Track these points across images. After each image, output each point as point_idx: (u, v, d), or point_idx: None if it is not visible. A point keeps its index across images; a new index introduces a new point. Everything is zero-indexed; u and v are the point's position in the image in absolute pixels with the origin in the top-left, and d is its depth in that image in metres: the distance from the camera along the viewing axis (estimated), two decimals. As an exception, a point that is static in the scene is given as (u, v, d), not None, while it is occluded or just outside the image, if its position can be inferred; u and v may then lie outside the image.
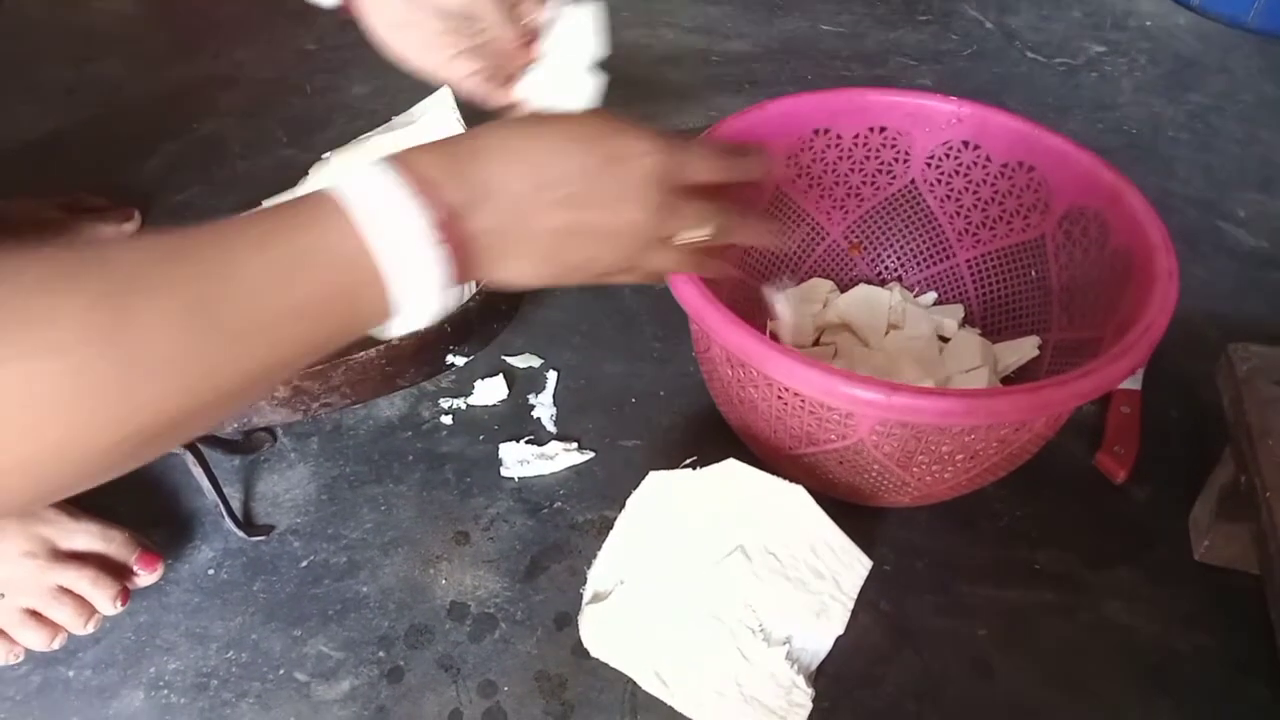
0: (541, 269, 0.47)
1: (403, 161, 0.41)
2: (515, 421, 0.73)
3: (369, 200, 0.39)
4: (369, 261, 0.39)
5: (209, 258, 0.36)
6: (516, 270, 0.46)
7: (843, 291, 0.79)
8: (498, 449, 0.71)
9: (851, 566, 0.55)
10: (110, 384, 0.33)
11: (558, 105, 0.62)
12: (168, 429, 0.36)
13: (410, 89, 0.67)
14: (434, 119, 0.80)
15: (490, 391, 0.74)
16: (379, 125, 0.86)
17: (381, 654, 0.59)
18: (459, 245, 0.42)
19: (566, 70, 0.61)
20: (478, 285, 0.75)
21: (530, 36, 0.61)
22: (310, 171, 0.88)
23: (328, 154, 0.85)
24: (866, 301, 0.77)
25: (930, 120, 0.73)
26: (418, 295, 0.41)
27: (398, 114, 0.85)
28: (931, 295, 0.78)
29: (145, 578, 0.61)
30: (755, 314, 0.75)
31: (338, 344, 0.41)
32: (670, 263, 0.52)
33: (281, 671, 0.58)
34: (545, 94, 0.62)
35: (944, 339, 0.75)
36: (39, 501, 0.36)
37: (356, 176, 0.40)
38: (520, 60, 0.62)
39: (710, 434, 0.70)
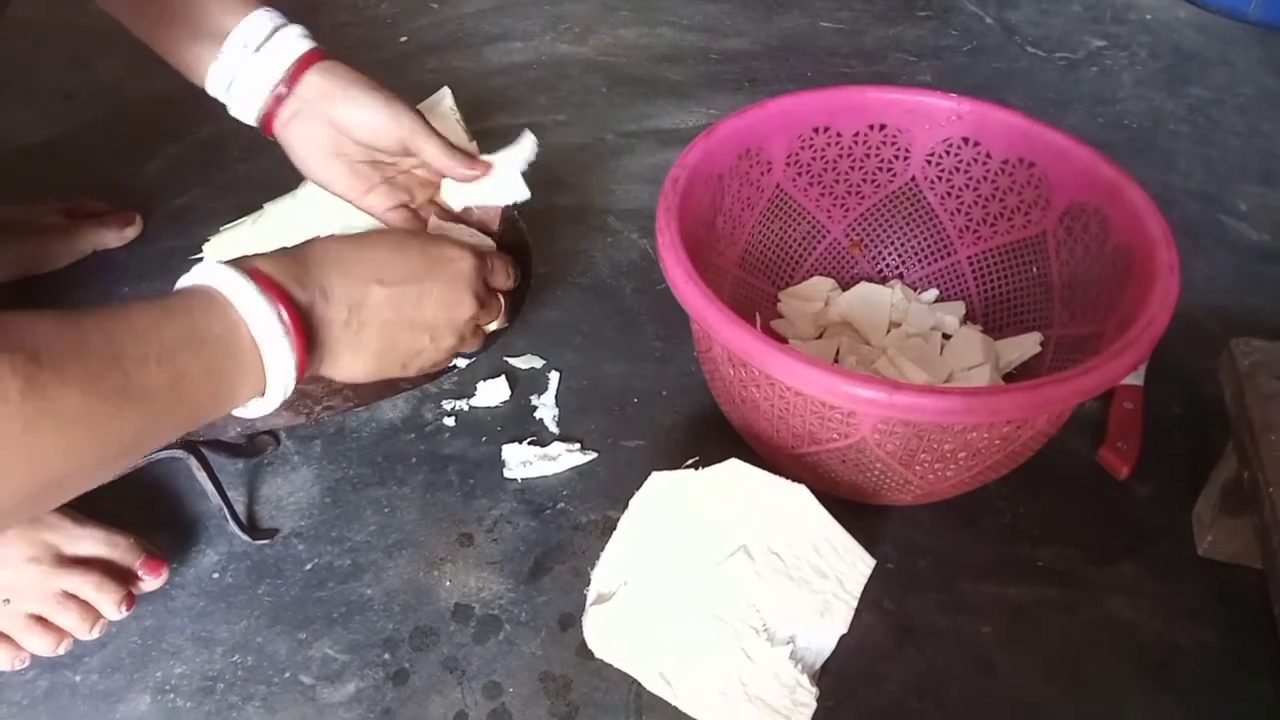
0: (376, 363, 0.54)
1: (251, 268, 0.47)
2: (518, 423, 0.73)
3: (239, 296, 0.46)
4: (249, 341, 0.46)
5: (106, 334, 0.41)
6: (354, 363, 0.53)
7: (844, 290, 0.79)
8: (500, 450, 0.71)
9: (854, 565, 0.55)
10: (22, 440, 0.37)
11: (487, 201, 0.70)
12: (54, 485, 0.40)
13: (409, 92, 0.67)
14: (435, 119, 0.80)
15: (492, 393, 0.75)
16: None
17: (386, 656, 0.59)
18: (305, 339, 0.48)
19: (503, 176, 0.68)
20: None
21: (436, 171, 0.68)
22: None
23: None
24: (868, 299, 0.77)
25: (930, 117, 0.73)
26: (280, 376, 0.47)
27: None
28: (933, 292, 0.78)
29: (150, 582, 0.61)
30: (756, 314, 0.76)
31: (206, 418, 0.46)
32: (474, 346, 0.63)
33: (287, 675, 0.58)
34: (475, 194, 0.70)
35: (946, 336, 0.75)
36: None
37: (219, 277, 0.46)
38: (427, 192, 0.70)
39: (712, 434, 0.70)
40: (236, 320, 0.46)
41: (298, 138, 0.65)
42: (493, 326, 0.64)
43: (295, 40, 0.63)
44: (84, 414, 0.39)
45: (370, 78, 0.64)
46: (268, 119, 0.64)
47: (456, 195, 0.70)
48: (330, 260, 0.51)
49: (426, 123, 0.65)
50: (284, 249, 0.50)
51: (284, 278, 0.48)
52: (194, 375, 0.44)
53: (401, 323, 0.54)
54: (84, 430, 0.39)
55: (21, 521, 0.42)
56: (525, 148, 0.68)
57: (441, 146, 0.64)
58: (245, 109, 0.64)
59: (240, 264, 0.47)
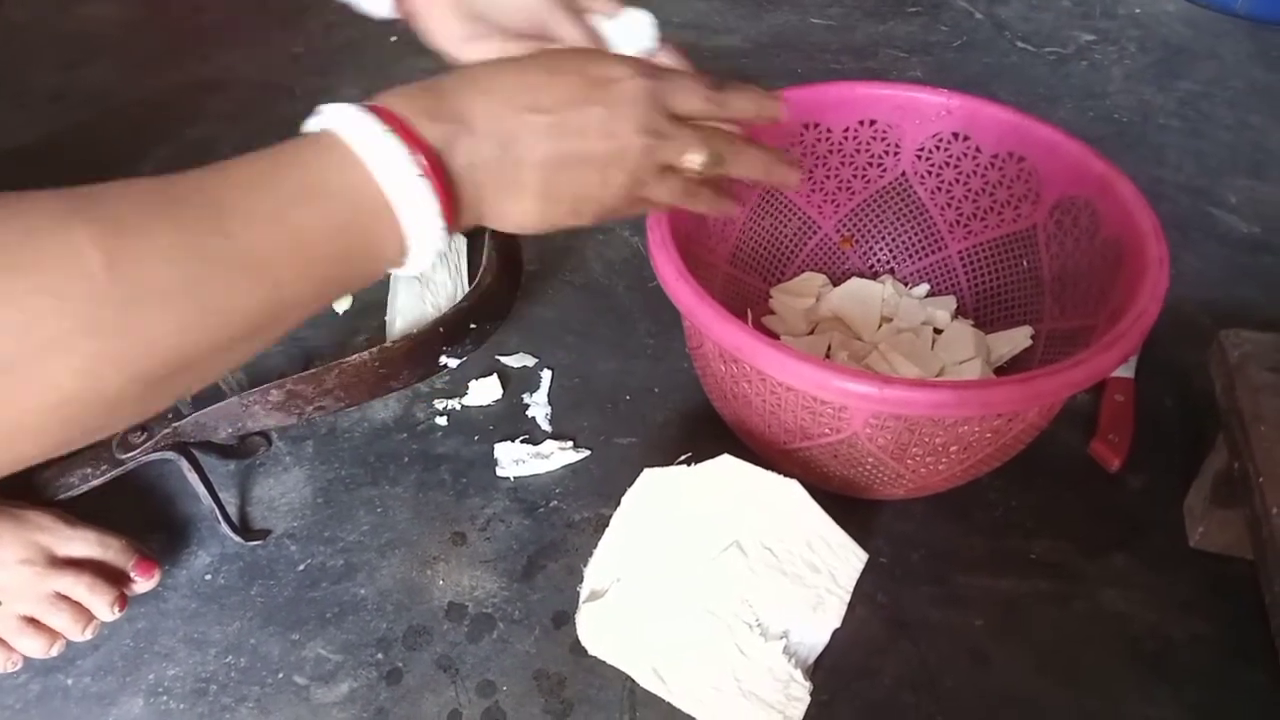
0: (541, 206, 0.46)
1: (376, 105, 0.41)
2: (510, 421, 0.73)
3: (359, 137, 0.39)
4: (376, 194, 0.39)
5: (204, 193, 0.36)
6: (516, 209, 0.45)
7: (835, 285, 0.79)
8: (493, 449, 0.71)
9: (847, 560, 0.55)
10: (109, 324, 0.33)
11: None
12: (175, 369, 0.36)
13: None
14: None
15: (484, 392, 0.74)
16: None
17: (380, 656, 0.59)
18: (447, 183, 0.41)
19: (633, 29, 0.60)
20: (468, 287, 0.75)
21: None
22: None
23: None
24: (859, 295, 0.77)
25: (920, 112, 0.73)
26: (418, 230, 0.41)
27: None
28: (924, 287, 0.78)
29: (142, 584, 0.61)
30: (748, 310, 0.76)
31: (347, 284, 0.41)
32: (672, 193, 0.50)
33: (280, 675, 0.58)
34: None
35: (937, 331, 0.75)
36: (58, 449, 0.36)
37: (341, 117, 0.40)
38: None
39: (704, 430, 0.70)
40: (359, 166, 0.39)
41: (438, 26, 0.58)
42: (697, 161, 0.49)
43: None
44: (186, 286, 0.35)
45: None
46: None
47: None
48: (471, 86, 0.44)
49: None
50: (419, 82, 0.43)
51: (414, 111, 0.41)
52: (317, 233, 0.38)
53: (564, 158, 0.45)
54: (189, 304, 0.35)
55: (152, 413, 0.37)
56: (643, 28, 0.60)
57: (583, 34, 0.56)
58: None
59: (366, 103, 0.41)
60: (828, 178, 0.77)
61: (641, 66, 0.47)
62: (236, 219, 0.36)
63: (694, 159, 0.49)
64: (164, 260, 0.34)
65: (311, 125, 0.41)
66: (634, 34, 0.60)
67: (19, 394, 0.32)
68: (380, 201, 0.39)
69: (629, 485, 0.57)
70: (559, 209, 0.47)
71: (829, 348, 0.75)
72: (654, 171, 0.48)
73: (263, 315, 0.38)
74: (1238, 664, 0.59)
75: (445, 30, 0.56)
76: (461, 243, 0.85)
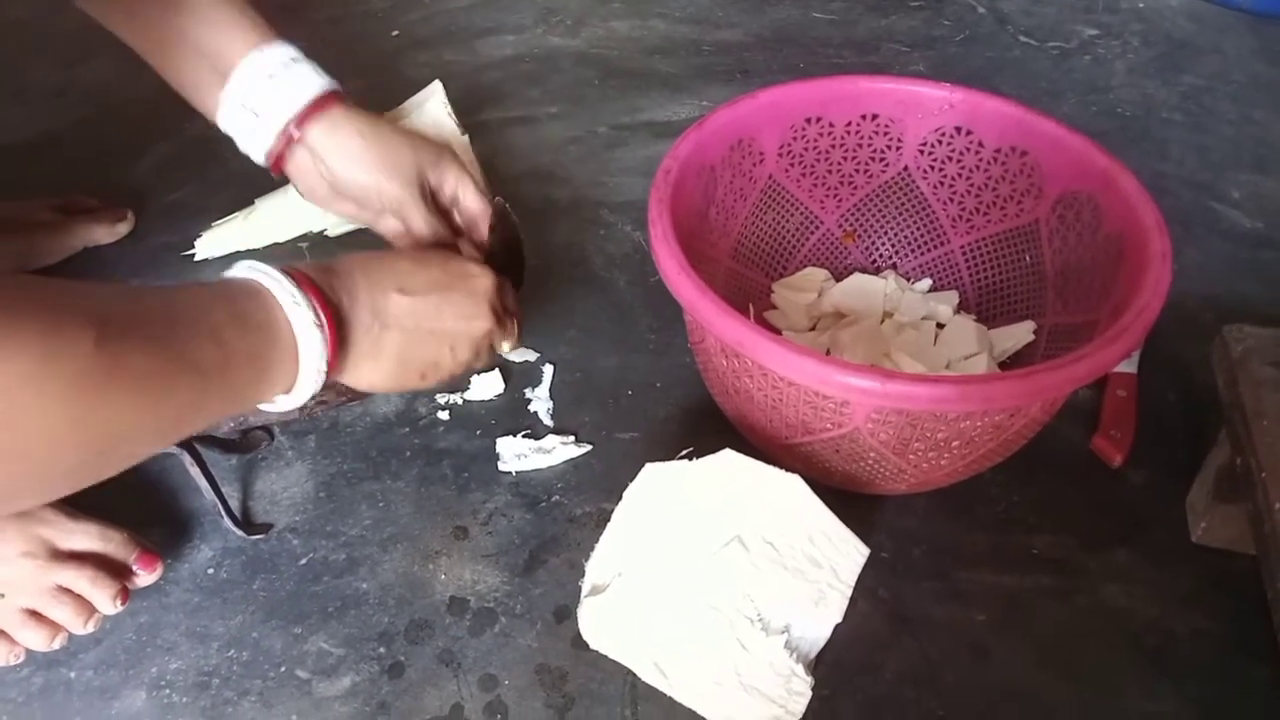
0: (395, 368, 0.56)
1: (290, 269, 0.50)
2: (512, 416, 0.73)
3: (278, 289, 0.48)
4: (289, 335, 0.48)
5: (166, 306, 0.43)
6: (370, 371, 0.55)
7: (837, 280, 0.79)
8: (495, 444, 0.71)
9: (849, 555, 0.55)
10: (88, 397, 0.38)
11: None
12: (123, 446, 0.42)
13: (401, 86, 0.68)
14: (427, 113, 0.80)
15: (486, 386, 0.74)
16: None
17: (382, 650, 0.59)
18: (335, 337, 0.51)
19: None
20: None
21: (462, 223, 0.70)
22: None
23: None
24: (861, 290, 0.77)
25: (922, 106, 0.73)
26: (311, 366, 0.50)
27: (389, 110, 0.85)
28: (926, 282, 0.78)
29: (145, 577, 0.61)
30: (749, 305, 0.76)
31: (245, 403, 0.49)
32: (486, 363, 0.64)
33: (283, 669, 0.58)
34: None
35: (940, 326, 0.75)
36: (18, 505, 0.41)
37: (259, 271, 0.49)
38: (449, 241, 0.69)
39: (706, 424, 0.70)
40: (276, 311, 0.48)
41: (301, 180, 0.66)
42: (507, 349, 0.66)
43: (306, 80, 0.62)
44: (148, 375, 0.40)
45: (378, 132, 0.64)
46: (275, 162, 0.65)
47: None
48: (355, 268, 0.54)
49: (419, 187, 0.65)
50: (315, 263, 0.53)
51: (316, 277, 0.51)
52: (240, 356, 0.46)
53: (421, 332, 0.56)
54: (147, 391, 0.41)
55: (78, 487, 0.42)
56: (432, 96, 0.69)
57: (427, 222, 0.65)
58: (253, 150, 0.64)
59: (284, 268, 0.50)
60: (830, 172, 0.76)
61: (483, 267, 0.60)
62: (186, 330, 0.43)
63: (508, 345, 0.65)
64: (136, 352, 0.40)
65: (235, 273, 0.49)
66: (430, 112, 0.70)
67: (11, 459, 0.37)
68: (288, 340, 0.48)
69: (630, 480, 0.57)
70: (409, 375, 0.57)
71: (830, 342, 0.75)
72: (486, 347, 0.61)
73: (189, 411, 0.44)
74: (1239, 659, 0.59)
75: (312, 194, 0.67)
76: None
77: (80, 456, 0.39)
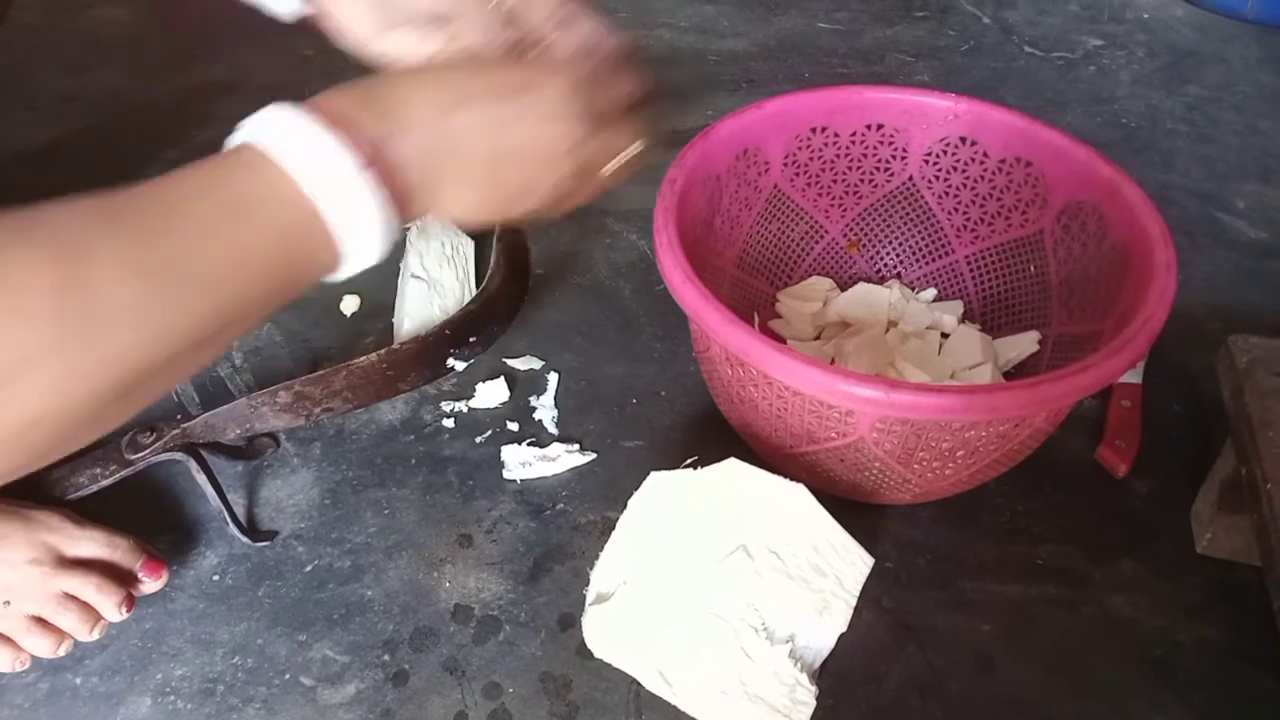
0: (482, 196, 0.47)
1: (315, 104, 0.41)
2: (517, 424, 0.73)
3: (289, 141, 0.40)
4: (304, 201, 0.39)
5: (149, 211, 0.37)
6: (457, 200, 0.46)
7: (842, 289, 0.79)
8: (500, 451, 0.71)
9: (853, 564, 0.55)
10: (73, 342, 0.34)
11: None
12: (137, 382, 0.37)
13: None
14: None
15: (491, 394, 0.75)
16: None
17: (386, 657, 0.59)
18: (387, 174, 0.41)
19: None
20: (475, 290, 0.76)
21: (519, 35, 0.56)
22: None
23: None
24: (866, 299, 0.77)
25: (927, 117, 0.73)
26: (358, 230, 0.41)
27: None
28: (931, 291, 0.78)
29: (150, 584, 0.61)
30: (754, 314, 0.76)
31: (294, 289, 0.41)
32: (600, 184, 0.53)
33: (287, 676, 0.58)
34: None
35: (944, 336, 0.75)
36: (27, 467, 0.36)
37: (272, 122, 0.40)
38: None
39: (711, 433, 0.70)
40: (285, 172, 0.39)
41: (348, 22, 0.55)
42: (634, 149, 0.53)
43: None
44: (135, 305, 0.35)
45: None
46: None
47: None
48: (406, 85, 0.45)
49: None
50: (354, 84, 0.44)
51: (355, 106, 0.42)
52: (255, 245, 0.39)
53: (499, 153, 0.46)
54: (142, 319, 0.36)
55: (109, 428, 0.38)
56: None
57: (486, 29, 0.53)
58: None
59: (308, 104, 0.41)
60: (835, 182, 0.77)
61: (565, 66, 0.49)
62: (178, 235, 0.37)
63: (631, 147, 0.53)
64: (117, 279, 0.35)
65: (249, 127, 0.41)
66: None
67: None
68: (313, 208, 0.40)
69: (635, 488, 0.57)
70: (498, 200, 0.48)
71: (835, 352, 0.75)
72: (584, 159, 0.50)
73: (212, 325, 0.38)
74: (1245, 669, 0.59)
75: (356, 23, 0.55)
76: (469, 246, 0.85)
77: (95, 401, 0.35)
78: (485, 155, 0.46)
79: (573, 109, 0.48)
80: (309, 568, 0.64)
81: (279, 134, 0.40)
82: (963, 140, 0.73)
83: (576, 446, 0.71)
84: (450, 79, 0.46)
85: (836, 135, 0.74)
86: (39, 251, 0.33)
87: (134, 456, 0.63)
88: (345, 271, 0.43)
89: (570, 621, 0.61)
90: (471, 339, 0.75)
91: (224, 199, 0.39)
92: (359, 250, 0.42)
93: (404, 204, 0.43)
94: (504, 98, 0.46)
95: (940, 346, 0.74)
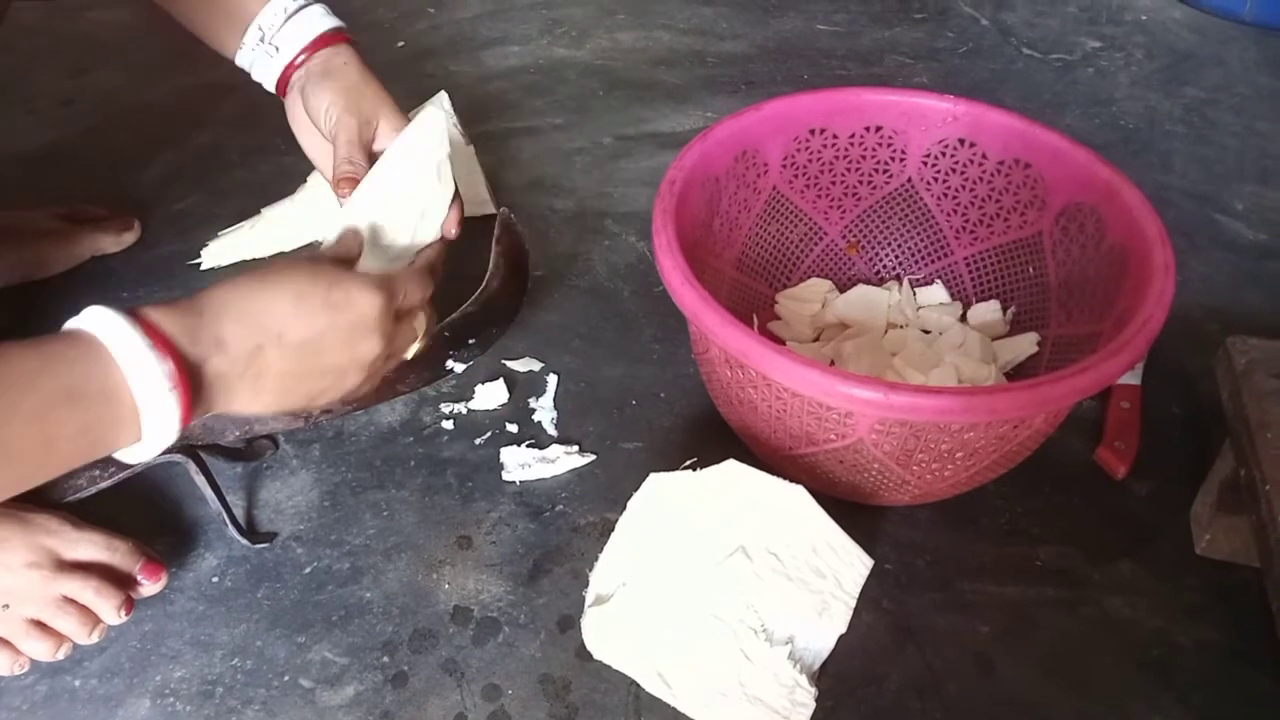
0: (277, 402, 0.53)
1: (144, 319, 0.46)
2: (516, 425, 0.73)
3: (128, 350, 0.44)
4: (129, 399, 0.44)
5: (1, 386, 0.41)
6: (249, 404, 0.51)
7: (841, 291, 0.79)
8: (499, 453, 0.71)
9: (853, 565, 0.55)
10: None
11: (396, 219, 0.62)
12: None
13: (406, 97, 0.68)
14: (428, 118, 0.80)
15: (491, 396, 0.75)
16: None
17: (385, 659, 0.59)
18: (194, 392, 0.47)
19: (412, 178, 0.62)
20: (479, 291, 0.75)
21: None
22: (309, 178, 0.88)
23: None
24: (865, 301, 0.77)
25: (926, 118, 0.73)
26: (161, 429, 0.46)
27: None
28: (935, 289, 0.78)
29: (149, 587, 0.61)
30: (754, 316, 0.76)
31: (77, 464, 0.46)
32: (389, 369, 0.60)
33: (286, 678, 0.58)
34: (381, 208, 0.61)
35: (943, 336, 0.75)
36: None
37: (108, 326, 0.45)
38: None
39: (710, 435, 0.70)
40: (118, 375, 0.44)
41: (290, 109, 0.67)
42: (413, 350, 0.61)
43: (316, 18, 0.65)
44: None
45: (363, 72, 0.65)
46: (279, 89, 0.67)
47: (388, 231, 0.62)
48: (228, 311, 0.49)
49: (355, 130, 0.63)
50: (181, 300, 0.49)
51: (176, 330, 0.47)
52: (67, 433, 0.43)
53: (302, 372, 0.52)
54: None
55: None
56: (436, 130, 0.62)
57: (342, 152, 0.63)
58: (263, 75, 0.67)
59: (133, 313, 0.46)
60: (834, 184, 0.77)
61: (374, 282, 0.54)
62: (16, 416, 0.41)
63: (418, 342, 0.61)
64: None
65: (83, 323, 0.45)
66: (430, 129, 0.63)
67: None
68: (130, 406, 0.45)
69: (634, 490, 0.57)
70: (295, 403, 0.54)
71: (835, 354, 0.75)
72: (381, 364, 0.57)
73: (18, 486, 0.43)
74: (1244, 670, 0.59)
75: (296, 123, 0.67)
76: (447, 193, 0.75)
77: None
78: (286, 376, 0.51)
79: (373, 331, 0.54)
80: (308, 569, 0.64)
81: (121, 342, 0.44)
82: (961, 142, 0.73)
83: (576, 448, 0.71)
84: (268, 309, 0.50)
85: (835, 137, 0.74)
86: None
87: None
88: (131, 455, 0.48)
89: (569, 623, 0.61)
90: (470, 341, 0.75)
91: (61, 385, 0.43)
92: (150, 445, 0.47)
93: (200, 409, 0.49)
94: (315, 329, 0.51)
95: (939, 348, 0.74)
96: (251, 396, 0.51)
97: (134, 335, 0.45)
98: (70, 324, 0.46)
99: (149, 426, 0.46)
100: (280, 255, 0.62)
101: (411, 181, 0.62)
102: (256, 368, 0.50)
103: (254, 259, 0.87)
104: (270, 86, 0.67)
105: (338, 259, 0.57)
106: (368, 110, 0.64)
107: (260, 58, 0.66)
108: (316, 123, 0.65)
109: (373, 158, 0.64)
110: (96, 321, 0.45)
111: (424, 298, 0.60)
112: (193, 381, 0.47)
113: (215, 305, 0.49)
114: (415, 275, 0.59)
